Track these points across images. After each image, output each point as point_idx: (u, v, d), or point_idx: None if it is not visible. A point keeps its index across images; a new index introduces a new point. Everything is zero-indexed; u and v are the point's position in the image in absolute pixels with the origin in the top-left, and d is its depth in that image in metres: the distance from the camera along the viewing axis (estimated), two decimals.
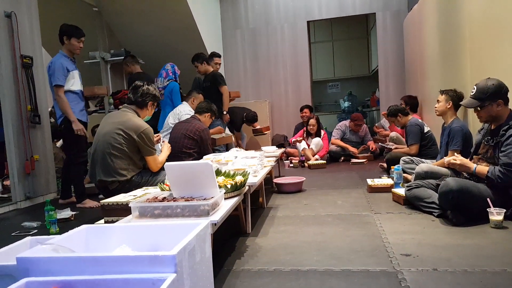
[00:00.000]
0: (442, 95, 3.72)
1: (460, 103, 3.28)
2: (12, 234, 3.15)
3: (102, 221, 2.43)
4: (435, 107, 3.77)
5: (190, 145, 4.02)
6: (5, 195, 4.60)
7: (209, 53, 6.70)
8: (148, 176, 3.10)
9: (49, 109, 5.10)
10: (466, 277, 1.84)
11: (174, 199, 2.03)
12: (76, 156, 4.08)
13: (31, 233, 3.14)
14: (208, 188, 2.07)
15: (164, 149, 3.32)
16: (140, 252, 1.53)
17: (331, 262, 2.11)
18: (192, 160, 3.96)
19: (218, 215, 1.88)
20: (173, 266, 1.32)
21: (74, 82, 4.10)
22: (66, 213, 3.49)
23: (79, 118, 4.07)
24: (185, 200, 1.97)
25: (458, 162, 2.75)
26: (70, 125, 3.98)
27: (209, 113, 4.38)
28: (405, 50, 7.20)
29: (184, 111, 4.80)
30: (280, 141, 7.31)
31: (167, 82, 5.24)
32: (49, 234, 3.07)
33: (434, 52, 4.93)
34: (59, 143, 5.67)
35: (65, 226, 3.27)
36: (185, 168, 2.12)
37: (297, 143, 6.19)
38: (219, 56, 6.04)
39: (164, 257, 1.32)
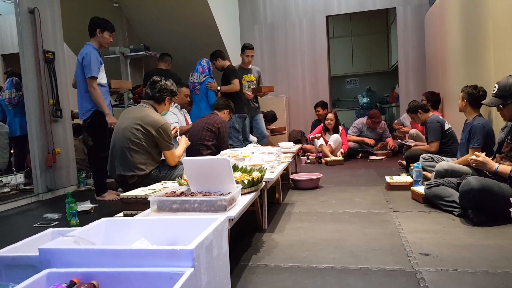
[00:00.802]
0: (461, 92, 3.64)
1: (482, 102, 3.20)
2: (34, 225, 3.23)
3: (121, 214, 2.46)
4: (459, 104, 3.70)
5: (209, 137, 4.07)
6: (28, 187, 4.72)
7: (226, 48, 6.72)
8: (166, 170, 3.13)
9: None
10: (487, 279, 1.80)
11: (192, 194, 2.04)
12: (100, 150, 4.08)
13: (52, 224, 3.21)
14: (225, 183, 2.08)
15: (181, 143, 3.34)
16: (159, 246, 1.55)
17: (348, 260, 2.10)
18: (209, 153, 3.99)
19: (235, 211, 1.89)
20: (190, 261, 1.33)
21: (103, 76, 4.12)
22: (86, 205, 3.55)
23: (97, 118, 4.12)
24: (203, 195, 1.98)
25: (480, 159, 2.69)
26: (100, 118, 3.98)
27: (228, 110, 4.46)
28: (426, 45, 7.07)
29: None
30: (297, 137, 7.28)
31: (204, 78, 5.27)
32: (69, 226, 3.13)
33: (457, 47, 4.82)
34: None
35: (85, 218, 3.33)
36: (203, 163, 2.13)
37: (315, 140, 6.15)
38: (251, 48, 5.78)
39: (182, 251, 1.33)
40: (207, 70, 5.30)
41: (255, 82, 5.85)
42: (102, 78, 4.09)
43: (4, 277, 1.57)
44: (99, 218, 3.26)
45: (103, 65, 4.14)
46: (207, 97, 5.26)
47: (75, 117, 5.22)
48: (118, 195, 4.07)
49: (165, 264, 1.34)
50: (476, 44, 4.03)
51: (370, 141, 6.28)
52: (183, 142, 3.35)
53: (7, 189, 4.59)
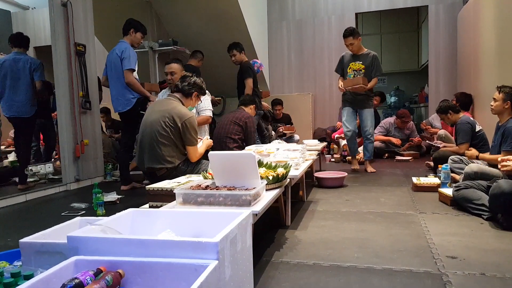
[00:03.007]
0: (499, 93, 3.50)
1: None
2: (62, 214, 3.32)
3: (147, 205, 2.50)
4: (491, 105, 3.56)
5: (236, 131, 4.14)
6: (56, 177, 4.85)
7: (254, 44, 6.71)
8: (194, 164, 3.15)
9: None
10: None
11: (217, 188, 2.05)
12: (129, 140, 4.27)
13: (79, 214, 3.30)
14: (250, 178, 2.08)
15: (203, 142, 3.36)
16: (184, 238, 1.56)
17: (373, 260, 2.07)
18: (236, 146, 4.02)
19: (259, 206, 1.88)
20: (215, 253, 1.33)
21: (134, 73, 4.36)
22: (112, 196, 3.62)
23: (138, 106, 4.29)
24: (228, 189, 1.98)
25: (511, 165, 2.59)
26: (138, 107, 4.20)
27: (254, 105, 4.59)
28: (458, 45, 6.87)
29: None
30: (322, 135, 7.22)
31: None
32: (96, 215, 3.20)
33: (490, 47, 4.67)
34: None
35: (111, 208, 3.40)
36: (228, 158, 2.13)
37: (340, 140, 6.07)
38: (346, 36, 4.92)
39: (207, 243, 1.34)
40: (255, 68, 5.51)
41: (363, 71, 4.84)
42: (135, 74, 4.29)
43: (33, 263, 1.61)
44: (125, 209, 3.33)
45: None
46: None
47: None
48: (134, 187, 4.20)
49: (190, 255, 1.35)
50: (511, 44, 3.90)
51: (397, 141, 6.17)
52: (205, 141, 3.37)
53: (36, 178, 4.73)
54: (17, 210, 3.69)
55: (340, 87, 4.85)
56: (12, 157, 5.59)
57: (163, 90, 4.44)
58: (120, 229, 1.65)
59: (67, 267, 1.37)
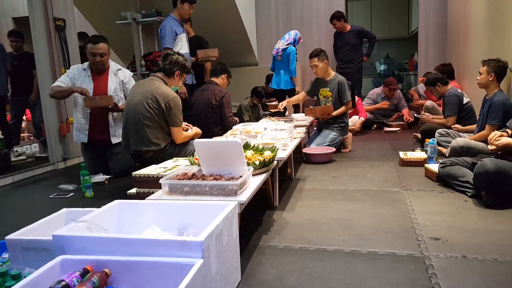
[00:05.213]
0: (483, 66, 3.49)
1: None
2: (50, 196, 3.31)
3: (134, 190, 2.50)
4: (477, 79, 3.56)
5: (216, 114, 4.08)
6: (43, 155, 4.81)
7: (240, 12, 6.51)
8: (181, 146, 3.13)
9: None
10: (496, 267, 1.80)
11: (203, 176, 2.05)
12: None
13: (67, 196, 3.28)
14: (236, 165, 2.08)
15: (193, 130, 3.32)
16: (170, 237, 1.57)
17: (358, 242, 2.11)
18: (220, 129, 3.98)
19: (245, 195, 1.89)
20: (200, 252, 1.35)
21: (182, 45, 4.42)
22: (100, 177, 3.61)
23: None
24: (214, 178, 1.98)
25: (503, 142, 2.59)
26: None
27: (225, 74, 4.39)
28: (448, 12, 6.78)
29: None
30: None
31: (286, 46, 5.49)
32: (84, 197, 3.21)
33: (480, 16, 4.61)
34: None
35: (99, 189, 3.41)
36: (214, 146, 2.12)
37: None
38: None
39: (192, 242, 1.35)
40: (291, 40, 5.52)
41: (330, 99, 4.54)
42: (182, 48, 4.37)
43: (20, 259, 1.62)
44: (113, 191, 3.32)
45: (184, 35, 4.50)
46: (288, 64, 5.48)
47: None
48: None
49: (175, 254, 1.36)
50: (501, 15, 3.84)
51: (385, 104, 6.13)
52: (195, 130, 3.33)
53: (23, 157, 4.68)
54: (4, 192, 3.67)
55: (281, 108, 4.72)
56: None
57: (75, 67, 3.88)
58: (106, 224, 1.65)
59: (54, 267, 1.38)
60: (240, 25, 6.76)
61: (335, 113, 4.38)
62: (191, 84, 4.68)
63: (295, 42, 5.58)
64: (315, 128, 4.88)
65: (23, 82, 5.07)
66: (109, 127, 3.75)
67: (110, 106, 3.63)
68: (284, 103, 4.71)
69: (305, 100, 5.41)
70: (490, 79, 3.44)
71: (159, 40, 5.72)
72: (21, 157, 4.65)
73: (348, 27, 6.16)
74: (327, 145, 4.28)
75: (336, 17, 6.21)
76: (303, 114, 4.97)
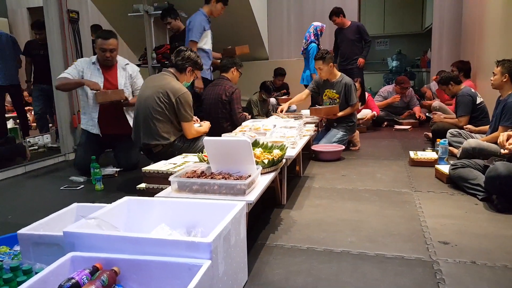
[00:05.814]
0: (497, 67, 3.44)
1: None
2: (61, 188, 3.35)
3: (143, 185, 2.52)
4: (491, 80, 3.51)
5: (226, 110, 4.09)
6: (55, 145, 4.86)
7: (252, 6, 6.48)
8: (190, 141, 3.14)
9: None
10: (506, 274, 1.78)
11: (212, 175, 2.06)
12: None
13: (78, 188, 3.32)
14: (245, 164, 2.08)
15: (204, 124, 3.33)
16: (179, 237, 1.59)
17: (366, 245, 2.10)
18: (229, 124, 3.98)
19: (253, 195, 1.89)
20: (208, 253, 1.36)
21: (207, 41, 4.45)
22: (110, 170, 3.64)
23: (204, 76, 4.34)
24: (222, 177, 1.99)
25: None
26: None
27: (234, 67, 4.33)
28: (463, 9, 6.66)
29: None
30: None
31: (308, 44, 5.64)
32: (95, 190, 3.24)
33: (496, 14, 4.53)
34: None
35: (109, 182, 3.44)
36: (223, 144, 2.12)
37: None
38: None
39: (200, 243, 1.36)
40: (313, 37, 5.62)
41: (337, 100, 4.47)
42: (206, 44, 4.43)
43: (31, 253, 1.65)
44: (123, 184, 3.34)
45: (209, 31, 4.52)
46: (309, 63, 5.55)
47: None
48: None
49: (184, 254, 1.37)
50: None
51: (396, 97, 6.08)
52: (206, 125, 3.33)
53: (35, 147, 4.74)
54: (16, 182, 3.72)
55: (282, 114, 4.48)
56: (10, 124, 5.56)
57: (83, 60, 3.82)
58: (115, 221, 1.67)
59: (64, 264, 1.40)
60: (252, 19, 6.72)
61: (340, 114, 4.35)
62: (210, 79, 4.67)
63: (317, 37, 5.61)
64: (324, 125, 4.85)
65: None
66: (128, 122, 3.75)
67: (122, 101, 3.64)
68: (285, 107, 4.60)
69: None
70: (504, 80, 3.39)
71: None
72: (32, 148, 4.71)
73: (348, 23, 6.07)
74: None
75: (335, 13, 6.11)
76: None
